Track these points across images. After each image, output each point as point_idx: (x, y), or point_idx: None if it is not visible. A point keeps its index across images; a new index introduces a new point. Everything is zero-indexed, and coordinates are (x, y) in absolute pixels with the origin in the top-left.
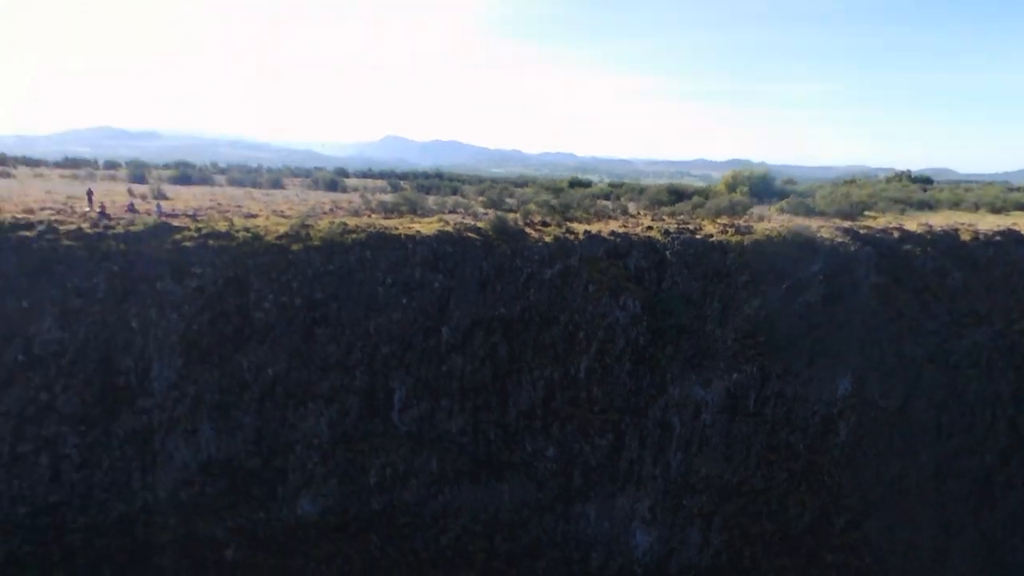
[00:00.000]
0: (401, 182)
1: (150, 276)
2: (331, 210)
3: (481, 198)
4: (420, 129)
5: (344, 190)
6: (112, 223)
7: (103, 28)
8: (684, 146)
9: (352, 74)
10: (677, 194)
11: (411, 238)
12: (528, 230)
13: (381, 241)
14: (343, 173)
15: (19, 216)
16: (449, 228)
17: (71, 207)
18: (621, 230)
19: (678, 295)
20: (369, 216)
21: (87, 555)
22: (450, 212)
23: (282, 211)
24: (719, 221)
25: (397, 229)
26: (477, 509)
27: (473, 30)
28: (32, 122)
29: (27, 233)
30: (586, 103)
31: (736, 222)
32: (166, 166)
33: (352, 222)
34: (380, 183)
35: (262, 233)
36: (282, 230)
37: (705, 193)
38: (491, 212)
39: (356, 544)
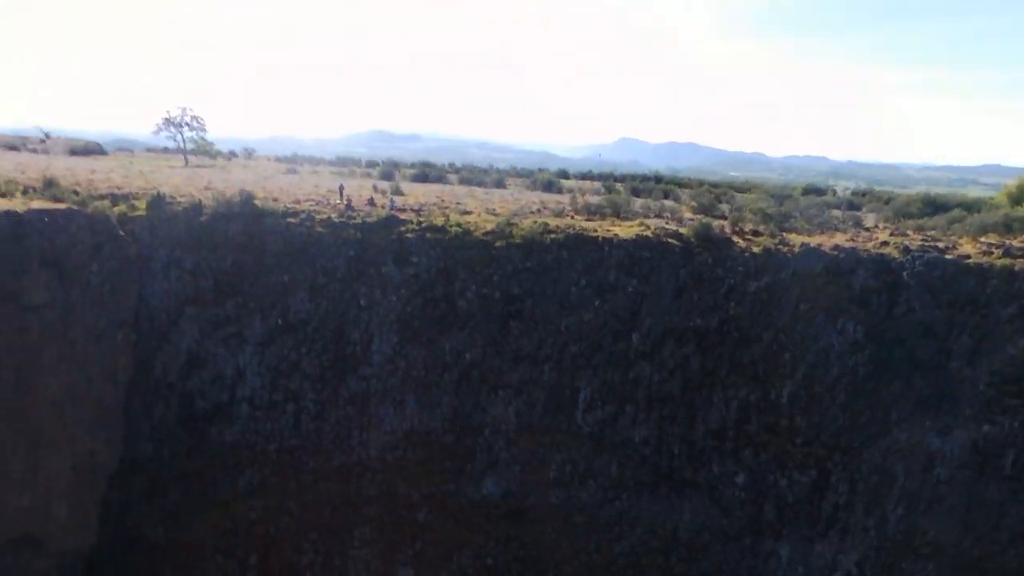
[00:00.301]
0: (617, 184)
1: (377, 261)
2: (538, 210)
3: (692, 203)
4: (655, 131)
5: (559, 191)
6: (354, 214)
7: (385, 40)
8: (972, 149)
9: (587, 76)
10: (933, 205)
11: (608, 240)
12: (735, 239)
13: (578, 242)
14: (563, 174)
15: (289, 206)
16: (648, 232)
17: (327, 199)
18: (848, 244)
19: (915, 324)
20: (572, 217)
21: (314, 494)
22: (655, 216)
23: (494, 209)
24: (983, 240)
25: (596, 231)
26: (655, 523)
27: (707, 28)
28: (326, 127)
29: (292, 220)
30: (844, 101)
31: (1008, 242)
32: (412, 166)
33: (553, 222)
34: (595, 185)
35: (471, 229)
36: (489, 227)
37: (976, 206)
38: (697, 218)
39: (533, 532)
